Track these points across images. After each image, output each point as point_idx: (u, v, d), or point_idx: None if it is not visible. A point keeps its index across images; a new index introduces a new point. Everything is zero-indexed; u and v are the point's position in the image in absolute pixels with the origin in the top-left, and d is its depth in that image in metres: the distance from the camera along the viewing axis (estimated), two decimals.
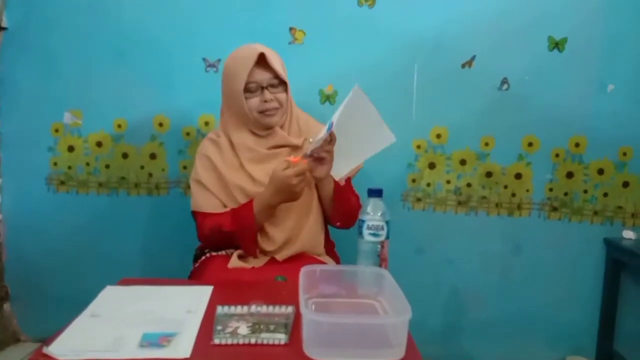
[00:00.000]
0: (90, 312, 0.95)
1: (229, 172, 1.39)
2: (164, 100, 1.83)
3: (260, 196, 1.32)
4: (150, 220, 1.90)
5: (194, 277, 1.34)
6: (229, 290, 1.10)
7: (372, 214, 1.05)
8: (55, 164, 1.88)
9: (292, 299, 0.96)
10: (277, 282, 1.21)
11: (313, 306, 0.98)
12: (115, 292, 1.06)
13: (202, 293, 1.06)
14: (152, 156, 1.87)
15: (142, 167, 1.87)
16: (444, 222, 1.85)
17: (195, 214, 1.42)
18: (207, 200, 1.39)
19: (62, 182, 1.89)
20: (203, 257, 1.43)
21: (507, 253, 1.85)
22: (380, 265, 1.05)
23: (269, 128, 1.40)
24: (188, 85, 1.82)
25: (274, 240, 1.38)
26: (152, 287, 1.09)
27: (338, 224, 1.44)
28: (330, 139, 1.29)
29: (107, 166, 1.88)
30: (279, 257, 1.38)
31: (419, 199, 1.85)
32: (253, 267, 1.31)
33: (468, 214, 1.85)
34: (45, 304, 1.93)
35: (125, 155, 1.87)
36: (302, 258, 1.37)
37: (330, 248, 1.50)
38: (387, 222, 1.06)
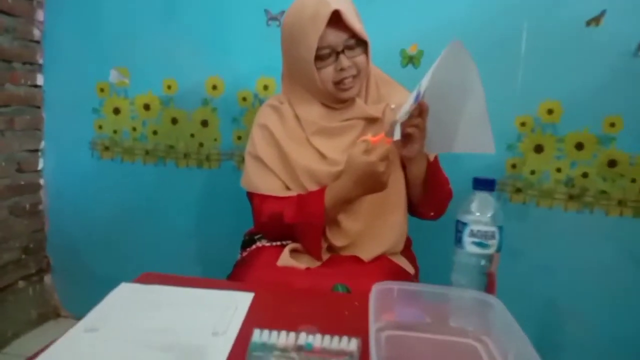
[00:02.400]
0: (88, 325, 0.71)
1: (293, 148, 1.13)
2: (218, 60, 1.59)
3: (335, 187, 1.06)
4: (199, 196, 1.68)
5: (237, 271, 1.09)
6: (274, 301, 0.83)
7: (479, 214, 0.75)
8: (100, 127, 1.70)
9: (357, 324, 0.69)
10: (337, 294, 0.93)
11: (386, 341, 0.69)
12: (129, 292, 0.82)
13: (238, 303, 0.80)
14: (204, 123, 1.64)
15: (192, 136, 1.65)
16: (549, 221, 1.49)
17: (251, 196, 1.17)
18: (267, 180, 1.14)
19: (107, 148, 1.71)
20: (253, 246, 1.18)
21: (627, 265, 1.47)
22: (486, 289, 0.75)
23: (345, 101, 1.12)
24: (246, 43, 1.56)
25: (346, 233, 1.11)
26: (177, 288, 0.84)
27: (432, 213, 1.16)
28: (420, 111, 0.98)
29: (155, 132, 1.67)
30: (347, 253, 1.10)
31: (518, 190, 1.50)
32: (308, 268, 1.04)
33: (581, 212, 1.48)
34: (87, 279, 1.78)
35: (174, 121, 1.65)
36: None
37: (406, 245, 1.20)
38: (499, 228, 0.74)
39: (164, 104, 1.65)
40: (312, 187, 1.10)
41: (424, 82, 0.97)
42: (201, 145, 1.65)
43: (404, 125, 0.99)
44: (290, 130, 1.14)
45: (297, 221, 1.05)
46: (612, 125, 1.43)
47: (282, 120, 1.15)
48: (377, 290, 0.71)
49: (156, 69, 1.63)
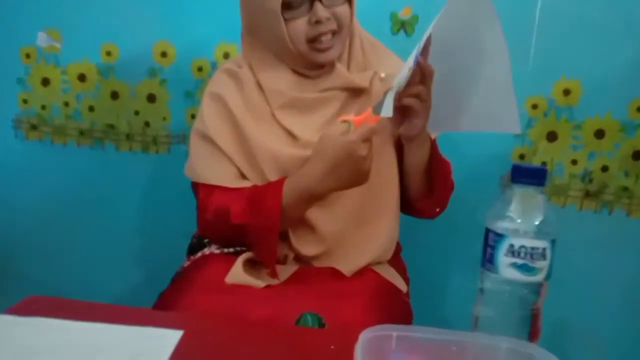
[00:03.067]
0: None
1: (253, 125, 0.88)
2: (168, 21, 1.31)
3: (300, 177, 0.81)
4: (145, 185, 1.41)
5: (169, 293, 0.83)
6: (211, 344, 0.57)
7: (521, 222, 0.49)
8: (25, 101, 1.41)
9: None
10: (305, 330, 0.67)
11: None
12: None
13: (157, 348, 0.53)
14: (151, 98, 1.36)
15: (136, 113, 1.37)
16: (561, 221, 1.23)
17: (196, 187, 0.92)
18: (217, 167, 0.89)
19: (34, 127, 1.42)
20: (199, 254, 0.91)
21: None
22: (529, 335, 0.50)
23: (322, 66, 0.87)
24: (202, 2, 1.29)
25: (320, 238, 0.86)
26: (70, 323, 0.57)
27: (437, 209, 0.95)
28: (423, 76, 0.74)
29: (91, 108, 1.39)
30: (321, 264, 0.85)
31: None
32: (268, 286, 0.78)
33: (598, 212, 1.26)
34: (13, 284, 1.48)
35: (115, 95, 1.37)
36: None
37: (395, 252, 0.96)
38: (552, 243, 0.50)
39: (102, 74, 1.37)
40: (275, 176, 0.85)
41: (424, 37, 0.72)
42: (147, 124, 1.38)
43: (400, 95, 0.74)
44: (251, 102, 0.88)
45: (246, 221, 0.81)
46: (639, 109, 1.20)
47: (240, 90, 0.89)
48: (366, 340, 0.46)
49: (93, 31, 1.34)
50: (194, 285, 0.77)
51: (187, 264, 0.90)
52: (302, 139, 0.86)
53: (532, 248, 0.49)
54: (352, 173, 0.78)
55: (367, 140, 0.76)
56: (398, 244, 1.01)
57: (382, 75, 0.90)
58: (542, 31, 1.21)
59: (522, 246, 0.49)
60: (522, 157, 1.26)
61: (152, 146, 1.39)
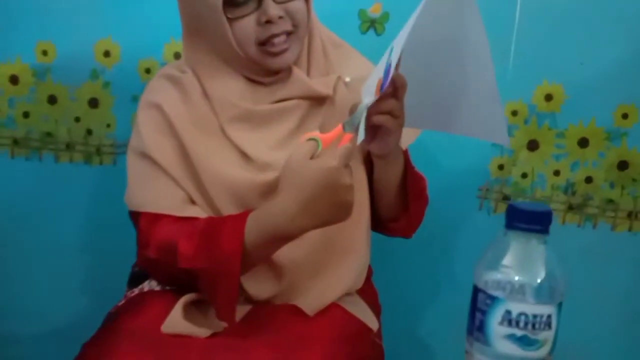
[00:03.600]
0: None
1: (199, 141, 0.75)
2: (112, 17, 1.18)
3: (266, 214, 0.67)
4: (87, 201, 1.28)
5: (99, 338, 0.70)
6: None
7: (520, 278, 0.39)
8: None
9: None
10: None
11: None
12: None
13: None
14: (93, 103, 1.22)
15: (77, 120, 1.23)
16: None
17: (135, 216, 0.78)
18: (158, 191, 0.76)
19: None
20: (137, 290, 0.79)
21: (637, 293, 1.18)
22: None
23: (277, 71, 0.75)
24: None
25: (278, 272, 0.75)
26: None
27: (413, 230, 0.86)
28: (395, 89, 0.63)
29: (26, 114, 1.24)
30: (279, 300, 0.74)
31: (506, 197, 1.18)
32: (214, 335, 0.66)
33: (582, 226, 1.18)
34: None
35: (52, 100, 1.23)
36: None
37: (366, 277, 0.86)
38: (558, 307, 0.39)
39: (38, 77, 1.22)
40: (228, 205, 0.73)
41: (397, 45, 0.62)
42: (89, 132, 1.24)
43: (370, 112, 0.63)
44: (196, 114, 0.76)
45: (197, 266, 0.68)
46: (625, 116, 1.13)
47: (184, 99, 0.77)
48: None
49: (27, 27, 1.19)
50: (122, 338, 0.64)
51: (122, 302, 0.78)
52: (257, 159, 0.74)
53: (535, 316, 0.38)
54: (333, 207, 0.63)
55: (348, 161, 0.62)
56: (369, 267, 0.90)
57: (347, 79, 0.79)
58: (523, 30, 1.12)
59: (522, 313, 0.38)
60: (500, 167, 1.17)
61: (96, 157, 1.25)
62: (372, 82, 0.66)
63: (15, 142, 1.25)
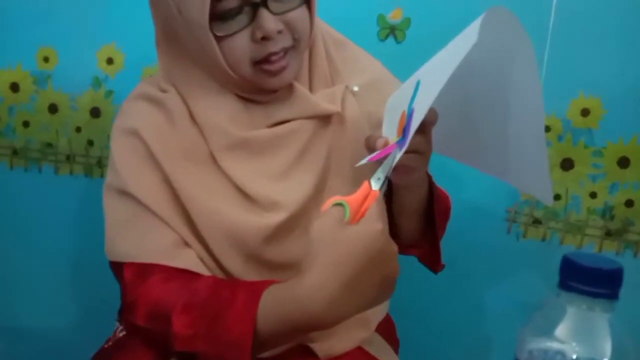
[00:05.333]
0: None
1: (187, 174, 0.65)
2: (116, 22, 1.12)
3: (293, 292, 0.53)
4: (88, 215, 1.19)
5: None
6: None
7: (579, 355, 0.29)
8: None
9: None
10: None
11: None
12: None
13: None
14: (95, 112, 1.16)
15: (78, 130, 1.17)
16: None
17: (116, 268, 0.67)
18: (143, 235, 0.64)
19: None
20: (116, 335, 0.71)
21: None
22: None
23: (275, 90, 0.66)
24: None
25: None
26: None
27: (442, 263, 0.76)
28: (424, 124, 0.54)
29: (26, 124, 1.19)
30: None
31: (537, 221, 1.08)
32: None
33: (621, 254, 1.07)
34: None
35: (53, 109, 1.17)
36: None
37: (390, 328, 0.77)
38: None
39: (38, 84, 1.16)
40: (226, 250, 0.64)
41: (428, 86, 0.53)
42: (90, 143, 1.17)
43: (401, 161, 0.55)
44: (183, 141, 0.66)
45: (197, 349, 0.57)
46: None
47: (167, 123, 0.66)
48: None
49: (28, 32, 1.14)
50: None
51: (108, 344, 0.69)
52: (258, 196, 0.63)
53: None
54: (382, 281, 0.51)
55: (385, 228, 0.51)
56: (390, 318, 0.82)
57: (355, 88, 0.69)
58: (557, 38, 1.01)
59: None
60: None
61: (97, 169, 1.18)
62: (394, 116, 0.57)
63: (15, 152, 1.20)
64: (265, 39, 0.60)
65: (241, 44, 0.60)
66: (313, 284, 0.50)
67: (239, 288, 0.57)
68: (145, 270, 0.62)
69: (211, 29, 0.59)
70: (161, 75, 0.70)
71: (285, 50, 0.62)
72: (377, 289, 0.51)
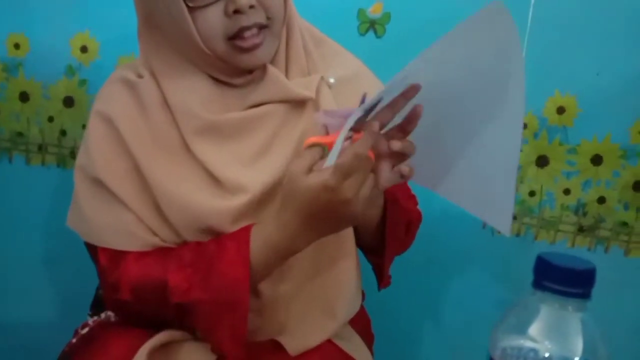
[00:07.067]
0: None
1: (157, 161, 0.66)
2: (90, 10, 1.09)
3: (269, 228, 0.61)
4: (60, 207, 1.15)
5: None
6: None
7: (551, 354, 0.30)
8: None
9: None
10: None
11: None
12: None
13: None
14: (68, 102, 1.13)
15: (50, 119, 1.14)
16: None
17: (90, 248, 0.69)
18: (116, 225, 0.66)
19: None
20: (99, 317, 0.70)
21: None
22: None
23: (250, 70, 0.66)
24: None
25: (260, 304, 0.67)
26: None
27: (386, 282, 0.77)
28: (410, 120, 0.57)
29: None
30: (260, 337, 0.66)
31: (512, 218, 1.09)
32: None
33: (593, 250, 1.09)
34: None
35: (24, 97, 1.14)
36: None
37: (365, 323, 0.77)
38: None
39: (9, 72, 1.13)
40: (195, 236, 0.64)
41: (407, 71, 0.52)
42: (63, 133, 1.15)
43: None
44: (153, 127, 0.66)
45: (197, 297, 0.60)
46: None
47: (139, 109, 0.67)
48: None
49: None
50: None
51: (76, 339, 0.68)
52: (226, 181, 0.64)
53: None
54: (335, 222, 0.59)
55: (351, 172, 0.53)
56: (365, 313, 0.82)
57: (331, 80, 0.70)
58: (534, 37, 1.03)
59: None
60: None
61: (70, 160, 1.15)
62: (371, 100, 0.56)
63: None
64: (237, 12, 0.61)
65: (214, 17, 0.61)
66: (281, 220, 0.59)
67: (223, 239, 0.62)
68: (119, 254, 0.65)
69: (185, 1, 0.60)
70: (141, 61, 0.71)
71: (259, 27, 0.63)
72: (334, 225, 0.60)
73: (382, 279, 0.77)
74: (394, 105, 0.55)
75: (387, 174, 0.58)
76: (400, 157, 0.57)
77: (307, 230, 0.58)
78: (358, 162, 0.52)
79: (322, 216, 0.56)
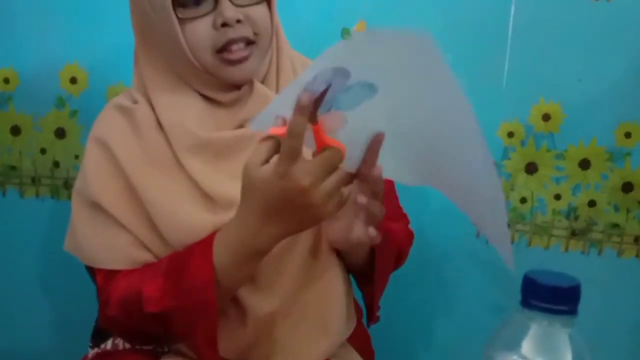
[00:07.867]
0: None
1: (151, 180, 0.67)
2: (78, 39, 1.10)
3: (231, 229, 0.61)
4: (55, 239, 1.15)
5: None
6: None
7: None
8: None
9: None
10: None
11: None
12: None
13: None
14: (59, 133, 1.14)
15: (43, 151, 1.15)
16: (544, 265, 1.09)
17: (90, 270, 0.73)
18: (112, 246, 0.68)
19: None
20: (100, 348, 0.70)
21: None
22: None
23: (237, 86, 0.68)
24: (118, 12, 1.07)
25: (246, 322, 0.67)
26: None
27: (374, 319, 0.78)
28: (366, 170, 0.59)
29: None
30: (253, 358, 0.66)
31: None
32: None
33: (586, 253, 1.10)
34: None
35: (15, 130, 1.15)
36: None
37: (364, 339, 0.78)
38: None
39: None
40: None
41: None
42: (56, 165, 1.15)
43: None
44: (148, 148, 0.68)
45: (167, 305, 0.61)
46: (628, 135, 1.06)
47: (135, 133, 0.68)
48: None
49: None
50: None
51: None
52: (218, 197, 0.65)
53: None
54: (295, 213, 0.55)
55: (293, 153, 0.51)
56: (357, 305, 0.82)
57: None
58: (516, 45, 1.05)
59: None
60: None
61: (63, 191, 1.16)
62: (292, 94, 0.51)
63: None
64: (225, 25, 0.63)
65: (203, 30, 0.64)
66: (241, 218, 0.58)
67: (192, 245, 0.63)
68: (112, 273, 0.68)
69: (175, 13, 0.63)
70: (135, 86, 0.73)
71: (246, 42, 0.65)
72: (296, 218, 0.56)
73: (372, 314, 0.76)
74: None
75: (359, 231, 0.59)
76: (371, 216, 0.59)
77: (267, 225, 0.56)
78: (294, 140, 0.50)
79: (279, 206, 0.54)
